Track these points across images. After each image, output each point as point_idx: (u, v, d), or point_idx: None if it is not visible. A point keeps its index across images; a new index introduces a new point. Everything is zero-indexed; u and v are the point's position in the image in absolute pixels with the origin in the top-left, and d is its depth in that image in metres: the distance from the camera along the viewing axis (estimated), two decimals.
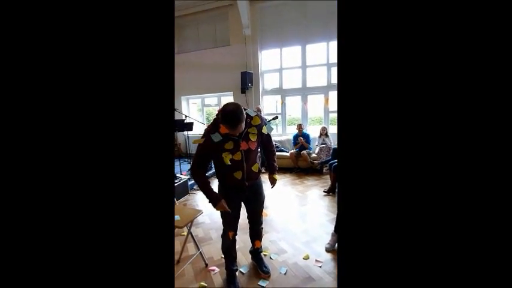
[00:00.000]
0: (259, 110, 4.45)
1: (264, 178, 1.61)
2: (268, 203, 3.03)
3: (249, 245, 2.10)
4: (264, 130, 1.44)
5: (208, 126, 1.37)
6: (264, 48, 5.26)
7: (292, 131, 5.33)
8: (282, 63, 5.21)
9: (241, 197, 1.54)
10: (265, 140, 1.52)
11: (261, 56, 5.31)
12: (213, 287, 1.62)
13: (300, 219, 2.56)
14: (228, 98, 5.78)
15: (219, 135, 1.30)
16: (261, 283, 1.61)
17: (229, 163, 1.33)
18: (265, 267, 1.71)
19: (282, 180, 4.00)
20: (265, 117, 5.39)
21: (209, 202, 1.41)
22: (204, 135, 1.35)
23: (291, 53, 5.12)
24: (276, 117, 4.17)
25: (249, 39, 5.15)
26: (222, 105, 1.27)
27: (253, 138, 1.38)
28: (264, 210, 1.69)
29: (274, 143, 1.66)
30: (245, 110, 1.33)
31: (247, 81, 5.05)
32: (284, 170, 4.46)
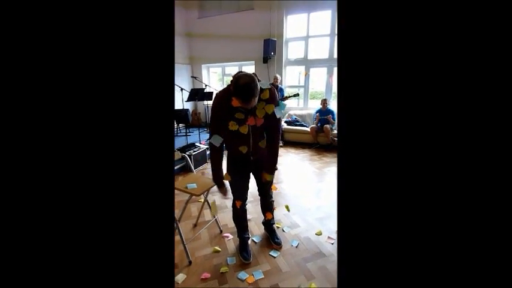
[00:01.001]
0: (276, 80, 4.14)
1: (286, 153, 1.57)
2: (283, 177, 3.03)
3: (262, 216, 2.15)
4: (268, 109, 1.25)
5: (220, 92, 1.30)
6: (290, 12, 4.84)
7: (315, 105, 5.10)
8: (309, 31, 4.81)
9: (248, 169, 1.52)
10: (270, 121, 1.31)
11: (287, 22, 4.92)
12: (226, 252, 1.70)
13: (315, 195, 2.55)
14: (249, 68, 5.58)
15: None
16: (273, 253, 1.66)
17: (234, 129, 1.28)
18: (277, 238, 1.75)
19: (300, 155, 3.94)
20: (287, 90, 5.05)
21: (213, 177, 1.46)
22: (214, 101, 1.31)
23: (320, 19, 4.68)
24: (297, 95, 3.85)
25: (274, 3, 4.75)
26: (236, 75, 1.18)
27: (260, 114, 1.28)
28: (274, 184, 1.66)
29: (294, 117, 1.56)
30: (259, 81, 1.20)
31: (269, 50, 4.77)
32: (303, 145, 4.38)
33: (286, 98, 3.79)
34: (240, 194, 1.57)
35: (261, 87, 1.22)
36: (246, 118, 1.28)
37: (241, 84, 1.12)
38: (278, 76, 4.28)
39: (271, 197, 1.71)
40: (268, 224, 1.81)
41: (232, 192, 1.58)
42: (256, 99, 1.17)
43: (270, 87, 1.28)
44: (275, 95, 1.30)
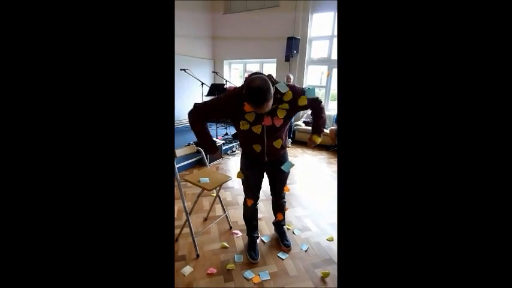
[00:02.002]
0: (289, 79, 4.08)
1: (290, 153, 1.54)
2: (297, 178, 2.97)
3: (273, 215, 2.12)
4: (302, 101, 1.22)
5: (233, 90, 1.26)
6: (316, 10, 4.71)
7: (335, 106, 4.95)
8: (334, 30, 4.66)
9: (261, 169, 1.48)
10: (310, 105, 1.30)
11: (312, 20, 4.80)
12: (234, 249, 1.69)
13: (330, 199, 2.47)
14: (270, 66, 5.53)
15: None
16: (281, 255, 1.62)
17: (245, 128, 1.24)
18: (287, 240, 1.71)
19: (317, 157, 3.85)
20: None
21: (204, 148, 1.41)
22: (224, 95, 1.28)
23: None
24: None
25: (300, 1, 4.65)
26: (249, 77, 1.11)
27: (281, 115, 1.23)
28: (287, 185, 1.62)
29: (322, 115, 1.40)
30: (276, 83, 1.15)
31: (292, 48, 4.69)
32: (320, 147, 4.27)
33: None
34: (252, 193, 1.55)
35: (279, 90, 1.16)
36: (259, 118, 1.23)
37: (254, 88, 1.05)
38: (291, 75, 4.25)
39: (283, 197, 1.67)
40: (279, 224, 1.78)
41: (244, 190, 1.56)
42: (270, 103, 1.10)
43: (288, 88, 1.20)
44: (296, 89, 1.23)
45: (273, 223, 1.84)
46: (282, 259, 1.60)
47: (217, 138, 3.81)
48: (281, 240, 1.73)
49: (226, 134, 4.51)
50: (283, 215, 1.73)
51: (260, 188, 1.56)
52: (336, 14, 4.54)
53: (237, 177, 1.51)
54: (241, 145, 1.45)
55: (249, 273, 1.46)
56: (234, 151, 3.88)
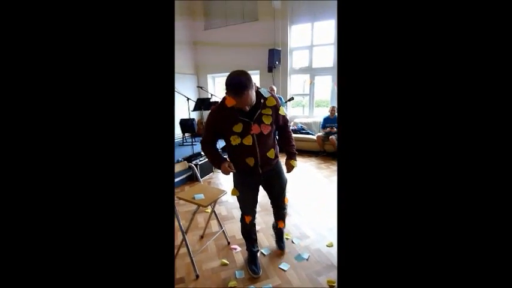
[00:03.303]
0: (272, 90, 4.21)
1: (282, 161, 1.51)
2: (291, 186, 2.98)
3: (271, 227, 2.09)
4: (281, 111, 1.30)
5: (214, 106, 1.29)
6: (294, 22, 4.91)
7: (320, 113, 5.08)
8: (313, 40, 4.85)
9: (257, 183, 1.44)
10: (282, 123, 1.37)
11: (291, 32, 4.98)
12: (234, 265, 1.64)
13: (324, 204, 2.48)
14: (254, 77, 5.59)
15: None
16: (283, 266, 1.59)
17: (237, 143, 1.23)
18: (283, 243, 1.76)
19: (307, 163, 3.89)
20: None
21: (214, 166, 1.42)
22: (209, 115, 1.29)
23: (324, 28, 4.73)
24: (292, 99, 3.89)
25: (278, 13, 4.83)
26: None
27: (267, 121, 1.23)
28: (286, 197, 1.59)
29: (300, 125, 1.53)
30: (258, 89, 1.22)
31: (274, 59, 4.82)
32: (309, 154, 4.33)
33: (285, 102, 3.88)
34: (249, 209, 1.49)
35: (262, 94, 1.23)
36: (247, 128, 1.22)
37: (231, 77, 1.09)
38: (274, 87, 4.40)
39: (285, 208, 1.65)
40: (278, 228, 1.76)
41: (240, 207, 1.51)
42: (251, 95, 1.11)
43: (271, 93, 1.28)
44: (277, 98, 1.30)
45: (273, 226, 1.83)
46: (284, 270, 1.57)
47: None
48: (277, 242, 1.78)
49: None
50: (284, 222, 1.71)
51: (256, 202, 1.52)
52: (312, 25, 4.75)
53: (232, 194, 1.46)
54: (233, 162, 1.37)
55: None
56: None
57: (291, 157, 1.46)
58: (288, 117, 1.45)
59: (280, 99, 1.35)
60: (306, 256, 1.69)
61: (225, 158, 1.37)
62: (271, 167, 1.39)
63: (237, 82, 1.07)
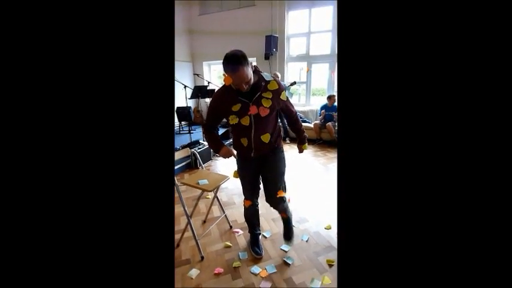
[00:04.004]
0: (276, 77, 4.20)
1: (290, 150, 1.55)
2: (288, 171, 3.03)
3: (272, 211, 2.15)
4: (283, 96, 1.31)
5: (218, 89, 1.34)
6: (292, 8, 4.82)
7: (316, 101, 5.10)
8: (311, 26, 4.79)
9: (252, 167, 1.44)
10: (285, 107, 1.38)
11: (288, 18, 4.90)
12: (237, 247, 1.71)
13: (321, 190, 2.56)
14: None
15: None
16: (284, 247, 1.67)
17: (234, 122, 1.27)
18: (289, 237, 1.64)
19: (304, 151, 3.95)
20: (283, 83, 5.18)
21: (214, 151, 1.45)
22: (212, 96, 1.34)
23: (322, 15, 4.66)
24: (294, 83, 3.87)
25: None
26: None
27: (266, 104, 1.24)
28: (282, 191, 1.48)
29: (298, 114, 1.53)
30: (261, 73, 1.27)
31: (271, 46, 4.75)
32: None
33: (287, 87, 3.86)
34: (248, 193, 1.52)
35: (264, 78, 1.27)
36: (245, 109, 1.24)
37: (228, 54, 1.12)
38: (278, 73, 4.34)
39: (282, 203, 1.51)
40: (288, 221, 1.64)
41: (243, 192, 1.56)
42: (247, 73, 1.14)
43: (274, 77, 1.29)
44: (280, 83, 1.32)
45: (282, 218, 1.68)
46: (286, 251, 1.64)
47: (203, 141, 3.78)
48: (284, 234, 1.66)
49: None
50: (287, 213, 1.59)
51: (256, 189, 1.53)
52: (310, 11, 4.67)
53: (233, 176, 1.52)
54: (233, 144, 1.44)
55: (255, 269, 1.49)
56: None
57: (302, 142, 1.55)
58: (291, 102, 1.44)
59: (286, 88, 1.36)
60: (305, 238, 1.77)
61: (223, 143, 1.43)
62: (265, 151, 1.38)
63: (232, 58, 1.11)
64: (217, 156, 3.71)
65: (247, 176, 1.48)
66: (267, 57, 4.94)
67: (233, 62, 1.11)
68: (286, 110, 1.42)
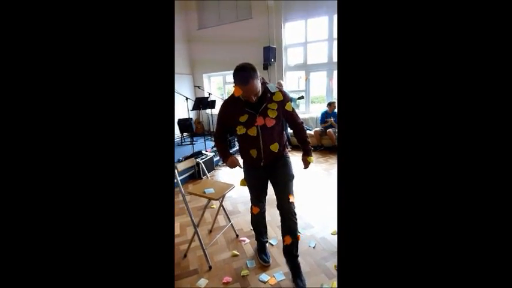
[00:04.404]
0: (280, 85, 4.30)
1: (292, 158, 1.54)
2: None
3: (277, 218, 2.15)
4: (288, 107, 1.34)
5: (226, 99, 1.38)
6: (288, 20, 4.97)
7: (316, 109, 5.17)
8: (307, 36, 4.93)
9: (261, 175, 1.46)
10: (290, 118, 1.41)
11: (285, 29, 5.05)
12: (244, 255, 1.71)
13: (325, 195, 2.57)
14: None
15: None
16: None
17: (242, 133, 1.30)
18: (301, 280, 1.40)
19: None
20: (290, 95, 5.34)
21: (222, 160, 1.48)
22: (220, 107, 1.38)
23: (317, 25, 4.81)
24: (302, 97, 3.99)
25: (272, 11, 4.88)
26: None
27: (272, 115, 1.28)
28: (292, 195, 1.46)
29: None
30: (267, 84, 1.30)
31: (269, 57, 4.87)
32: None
33: (296, 99, 3.94)
34: (256, 201, 1.55)
35: (270, 89, 1.29)
36: (252, 120, 1.28)
37: (238, 67, 1.17)
38: (282, 82, 4.44)
39: (292, 213, 1.44)
40: (289, 253, 1.49)
41: (250, 198, 1.58)
42: (257, 85, 1.17)
43: (279, 88, 1.32)
44: (285, 93, 1.34)
45: (283, 249, 1.54)
46: None
47: (206, 151, 3.81)
48: (293, 277, 1.43)
49: (214, 146, 4.52)
50: (293, 238, 1.45)
51: (263, 195, 1.55)
52: (306, 22, 4.81)
53: (240, 185, 1.54)
54: (240, 153, 1.48)
55: (264, 276, 1.49)
56: None
57: (306, 153, 1.48)
58: (297, 113, 1.46)
59: (292, 99, 1.39)
60: (312, 244, 1.77)
61: (230, 154, 1.47)
62: (274, 160, 1.41)
63: (243, 71, 1.15)
64: (220, 165, 3.74)
65: (256, 183, 1.50)
66: (265, 67, 5.05)
67: (244, 74, 1.15)
68: (291, 121, 1.44)
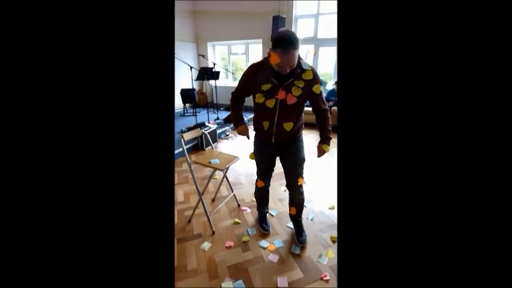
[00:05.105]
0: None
1: (305, 140, 1.52)
2: None
3: (279, 191, 2.24)
4: (316, 89, 1.25)
5: (255, 62, 1.29)
6: None
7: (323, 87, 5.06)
8: (320, 7, 4.65)
9: (270, 152, 1.47)
10: (316, 101, 1.33)
11: None
12: (245, 223, 1.80)
13: (326, 172, 2.63)
14: (256, 46, 5.46)
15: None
16: (290, 225, 1.76)
17: (260, 102, 1.25)
18: (302, 236, 1.58)
19: (308, 136, 3.99)
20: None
21: (233, 123, 1.47)
22: (247, 69, 1.31)
23: None
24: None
25: None
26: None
27: (296, 93, 1.21)
28: (302, 178, 1.52)
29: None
30: (300, 59, 1.21)
31: (278, 28, 4.62)
32: (310, 126, 4.41)
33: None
34: (262, 175, 1.58)
35: (302, 65, 1.20)
36: (273, 91, 1.23)
37: (282, 32, 1.08)
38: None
39: (300, 192, 1.53)
40: (295, 220, 1.64)
41: (256, 172, 1.61)
42: (296, 56, 1.11)
43: (311, 67, 1.23)
44: (317, 74, 1.26)
45: (290, 215, 1.68)
46: (292, 228, 1.74)
47: (208, 123, 3.81)
48: (296, 235, 1.61)
49: (217, 118, 4.51)
50: (298, 210, 1.60)
51: (269, 172, 1.57)
52: None
53: (249, 158, 1.56)
54: (253, 123, 1.44)
55: (264, 243, 1.58)
56: (228, 135, 3.92)
57: (324, 141, 1.39)
58: (323, 98, 1.36)
59: (322, 83, 1.31)
60: (311, 217, 1.86)
61: (243, 121, 1.46)
62: (286, 140, 1.38)
63: (288, 39, 1.07)
64: (223, 138, 3.76)
65: (265, 160, 1.51)
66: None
67: (288, 43, 1.07)
68: (315, 104, 1.35)
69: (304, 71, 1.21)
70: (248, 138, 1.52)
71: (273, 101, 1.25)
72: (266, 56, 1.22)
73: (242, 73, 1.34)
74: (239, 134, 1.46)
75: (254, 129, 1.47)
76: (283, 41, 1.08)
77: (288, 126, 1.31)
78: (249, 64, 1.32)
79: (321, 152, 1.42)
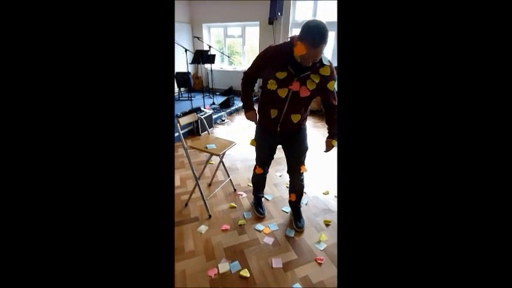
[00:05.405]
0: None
1: (309, 130, 1.52)
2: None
3: (274, 177, 2.28)
4: (331, 86, 1.22)
5: (275, 45, 1.21)
6: None
7: None
8: None
9: (273, 141, 1.47)
10: (327, 97, 1.30)
11: None
12: (241, 208, 1.84)
13: (321, 158, 2.66)
14: (253, 29, 5.30)
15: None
16: (285, 209, 1.81)
17: (272, 89, 1.21)
18: (300, 222, 1.64)
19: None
20: None
21: (243, 105, 1.46)
22: (267, 50, 1.22)
23: None
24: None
25: None
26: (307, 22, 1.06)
27: (310, 86, 1.17)
28: (304, 166, 1.54)
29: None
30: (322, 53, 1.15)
31: (276, 10, 4.49)
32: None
33: None
34: (261, 162, 1.59)
35: (322, 60, 1.16)
36: (288, 80, 1.18)
37: (315, 24, 1.01)
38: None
39: (301, 179, 1.57)
40: (294, 206, 1.69)
41: (255, 157, 1.62)
42: (321, 52, 1.07)
43: (330, 63, 1.19)
44: (334, 72, 1.21)
45: (289, 202, 1.74)
46: (286, 212, 1.78)
47: (204, 108, 3.77)
48: (294, 221, 1.66)
49: (213, 103, 4.45)
50: (298, 196, 1.64)
51: (269, 160, 1.58)
52: None
53: (250, 144, 1.56)
54: (259, 110, 1.42)
55: (259, 226, 1.63)
56: (224, 120, 3.90)
57: (332, 136, 1.40)
58: (335, 95, 1.32)
59: (336, 80, 1.26)
60: (305, 201, 1.91)
61: (253, 107, 1.45)
62: (291, 130, 1.38)
63: (321, 33, 1.00)
64: (219, 123, 3.74)
65: (266, 148, 1.51)
66: (270, 22, 4.69)
67: (320, 38, 1.00)
68: (327, 100, 1.32)
69: (322, 65, 1.17)
70: (256, 123, 1.50)
71: (286, 91, 1.20)
72: (286, 40, 1.18)
73: (259, 53, 1.27)
74: (248, 119, 1.46)
75: (259, 115, 1.44)
76: (314, 35, 1.00)
77: (296, 118, 1.31)
78: (267, 46, 1.24)
79: (329, 146, 1.44)
